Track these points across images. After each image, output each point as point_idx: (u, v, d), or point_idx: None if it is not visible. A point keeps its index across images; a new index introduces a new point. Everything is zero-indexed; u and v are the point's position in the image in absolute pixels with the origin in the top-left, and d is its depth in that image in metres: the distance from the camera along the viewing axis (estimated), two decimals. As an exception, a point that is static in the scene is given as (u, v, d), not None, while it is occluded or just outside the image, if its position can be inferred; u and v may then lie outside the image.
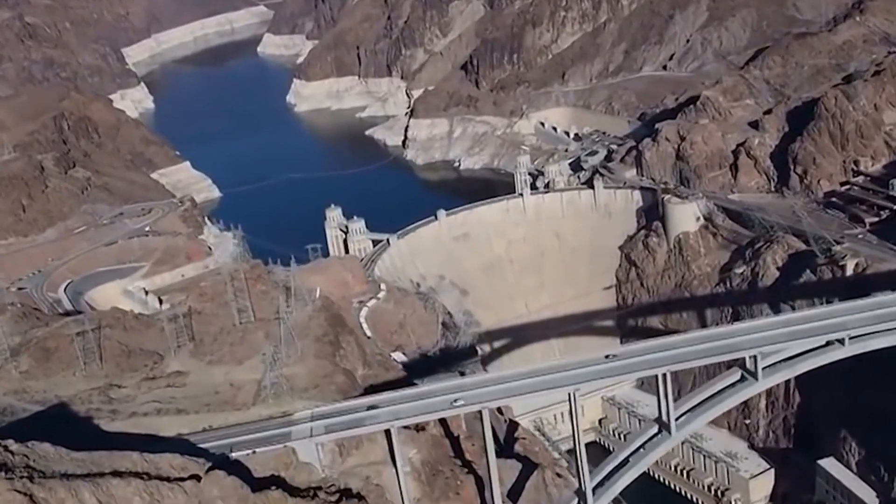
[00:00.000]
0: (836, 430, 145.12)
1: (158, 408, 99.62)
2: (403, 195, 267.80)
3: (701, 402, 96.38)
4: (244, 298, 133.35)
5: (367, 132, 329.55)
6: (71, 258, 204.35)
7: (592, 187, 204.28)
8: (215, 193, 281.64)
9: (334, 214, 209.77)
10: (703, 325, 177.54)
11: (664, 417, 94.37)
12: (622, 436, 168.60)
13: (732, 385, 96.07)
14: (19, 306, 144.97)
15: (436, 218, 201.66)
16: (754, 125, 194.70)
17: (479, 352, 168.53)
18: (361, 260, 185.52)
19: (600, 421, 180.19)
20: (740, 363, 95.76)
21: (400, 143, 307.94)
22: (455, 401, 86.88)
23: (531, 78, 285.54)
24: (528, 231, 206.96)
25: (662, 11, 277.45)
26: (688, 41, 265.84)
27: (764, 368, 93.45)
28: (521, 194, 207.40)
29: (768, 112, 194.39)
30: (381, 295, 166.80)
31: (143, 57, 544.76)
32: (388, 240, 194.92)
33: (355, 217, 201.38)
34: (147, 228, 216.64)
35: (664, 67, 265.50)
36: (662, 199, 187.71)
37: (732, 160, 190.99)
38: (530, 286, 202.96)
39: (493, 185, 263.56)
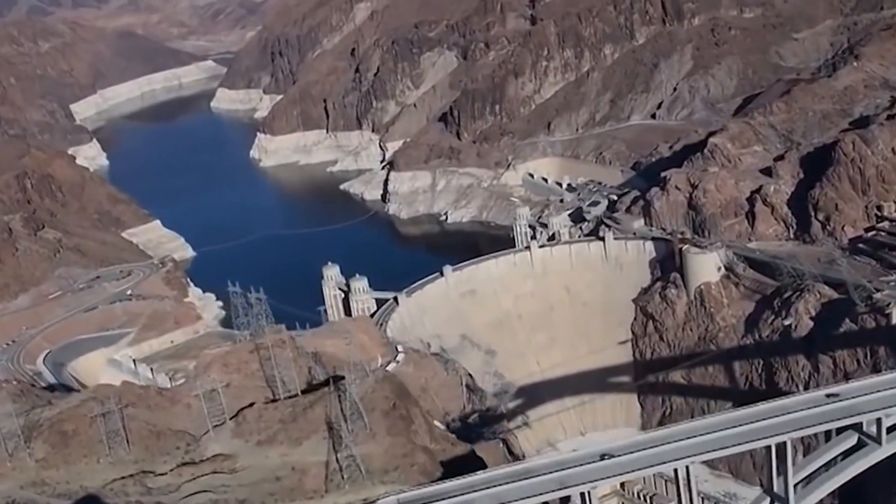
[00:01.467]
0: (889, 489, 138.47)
1: (214, 499, 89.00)
2: (391, 250, 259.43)
3: (816, 471, 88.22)
4: (271, 368, 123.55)
5: (341, 187, 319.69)
6: (47, 326, 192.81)
7: (602, 239, 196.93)
8: (189, 253, 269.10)
9: (332, 273, 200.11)
10: (731, 379, 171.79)
11: (779, 490, 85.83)
12: (648, 498, 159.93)
13: (849, 451, 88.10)
14: (15, 383, 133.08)
15: (442, 274, 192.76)
16: (766, 172, 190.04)
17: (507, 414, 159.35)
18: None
19: (622, 484, 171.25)
20: (857, 426, 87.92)
21: (379, 197, 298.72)
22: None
23: (515, 128, 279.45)
24: (537, 285, 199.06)
25: (646, 60, 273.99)
26: (675, 89, 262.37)
27: (889, 431, 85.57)
28: (528, 247, 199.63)
29: (780, 158, 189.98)
30: (399, 358, 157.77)
31: (90, 113, 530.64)
32: (395, 298, 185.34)
33: (357, 275, 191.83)
34: (129, 292, 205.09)
35: (653, 116, 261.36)
36: (680, 249, 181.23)
37: (748, 208, 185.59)
38: (541, 342, 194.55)
39: (482, 239, 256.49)
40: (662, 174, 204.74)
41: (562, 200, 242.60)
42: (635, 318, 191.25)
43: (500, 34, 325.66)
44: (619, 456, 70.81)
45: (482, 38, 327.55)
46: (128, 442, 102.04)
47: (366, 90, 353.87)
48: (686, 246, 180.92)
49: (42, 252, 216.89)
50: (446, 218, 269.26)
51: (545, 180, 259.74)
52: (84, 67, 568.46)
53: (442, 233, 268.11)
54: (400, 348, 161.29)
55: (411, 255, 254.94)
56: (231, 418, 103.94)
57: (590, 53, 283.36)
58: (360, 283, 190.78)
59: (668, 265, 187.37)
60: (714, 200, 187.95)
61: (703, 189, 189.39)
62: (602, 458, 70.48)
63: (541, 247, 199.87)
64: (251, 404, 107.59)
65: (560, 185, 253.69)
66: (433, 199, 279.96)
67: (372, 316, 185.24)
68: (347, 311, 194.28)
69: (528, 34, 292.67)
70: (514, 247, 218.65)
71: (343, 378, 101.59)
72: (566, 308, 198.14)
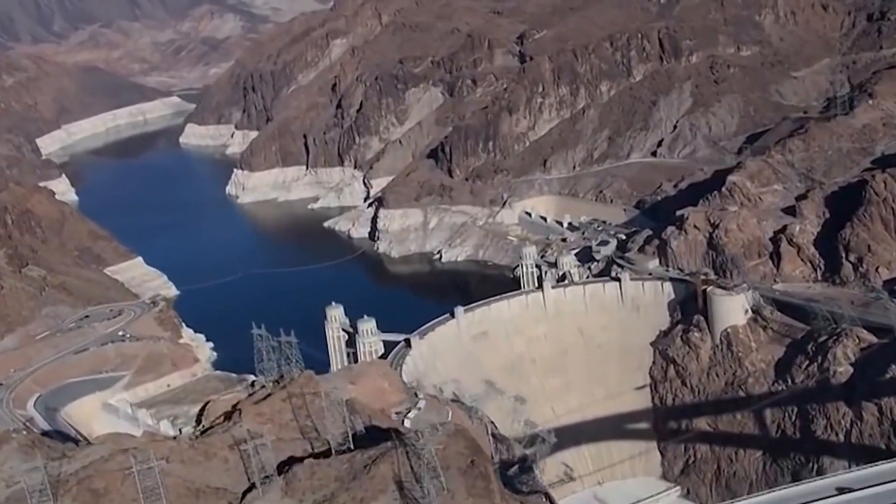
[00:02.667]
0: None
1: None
2: (385, 290, 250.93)
3: None
4: (305, 417, 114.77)
5: (326, 224, 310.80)
6: (36, 368, 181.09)
7: (618, 279, 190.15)
8: (172, 291, 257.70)
9: (336, 313, 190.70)
10: (762, 426, 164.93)
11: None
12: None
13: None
14: (25, 434, 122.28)
15: (453, 315, 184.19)
16: (789, 211, 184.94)
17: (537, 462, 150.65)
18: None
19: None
20: None
21: (367, 235, 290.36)
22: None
23: (509, 166, 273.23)
24: (550, 328, 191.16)
25: (644, 97, 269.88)
26: (675, 127, 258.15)
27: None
28: (541, 288, 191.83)
29: (802, 198, 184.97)
30: (420, 405, 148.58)
31: (55, 148, 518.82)
32: (406, 341, 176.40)
33: (365, 316, 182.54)
34: (121, 333, 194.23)
35: (653, 154, 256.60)
36: (703, 290, 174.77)
37: (772, 248, 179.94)
38: (556, 387, 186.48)
39: (479, 278, 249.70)
40: (678, 212, 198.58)
41: (564, 239, 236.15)
42: (654, 363, 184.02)
43: (488, 70, 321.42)
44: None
45: (469, 74, 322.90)
46: (166, 501, 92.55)
47: (348, 126, 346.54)
48: (710, 287, 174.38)
49: (28, 290, 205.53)
50: (440, 257, 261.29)
51: (544, 219, 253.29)
52: (48, 102, 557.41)
53: (436, 272, 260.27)
54: (420, 395, 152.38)
55: (407, 294, 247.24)
56: (278, 474, 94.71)
57: (585, 90, 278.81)
58: (367, 325, 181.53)
59: (690, 307, 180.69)
60: (736, 240, 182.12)
61: (725, 228, 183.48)
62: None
63: (554, 287, 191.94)
64: (298, 458, 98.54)
65: (560, 223, 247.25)
66: (425, 237, 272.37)
67: (382, 359, 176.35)
68: (354, 355, 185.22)
69: (522, 70, 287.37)
70: (519, 287, 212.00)
71: (400, 432, 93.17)
72: (580, 351, 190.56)
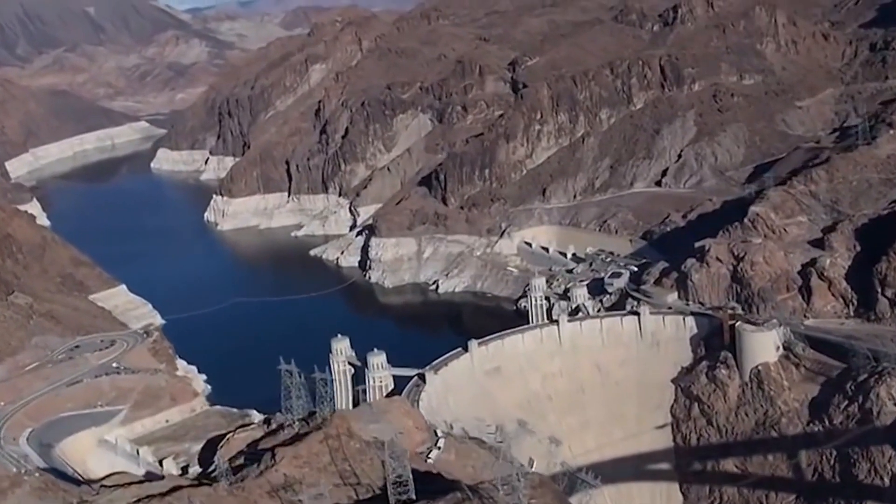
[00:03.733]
0: None
1: None
2: (380, 321, 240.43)
3: None
4: (342, 460, 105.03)
5: (312, 252, 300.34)
6: (27, 401, 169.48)
7: (637, 313, 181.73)
8: (157, 320, 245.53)
9: (342, 346, 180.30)
10: (797, 469, 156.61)
11: None
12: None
13: None
14: (38, 475, 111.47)
15: (466, 349, 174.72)
16: (816, 244, 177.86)
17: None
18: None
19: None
20: None
21: (356, 264, 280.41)
22: None
23: (506, 194, 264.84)
24: (565, 363, 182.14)
25: (646, 125, 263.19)
26: (679, 156, 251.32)
27: None
28: (556, 321, 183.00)
29: (830, 230, 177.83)
30: (440, 444, 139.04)
31: (22, 172, 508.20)
32: (420, 375, 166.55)
33: (375, 349, 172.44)
34: (114, 364, 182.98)
35: (657, 183, 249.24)
36: (731, 325, 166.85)
37: (801, 282, 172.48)
38: (573, 426, 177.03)
39: (477, 310, 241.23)
40: (697, 244, 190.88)
41: (570, 271, 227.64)
42: (676, 401, 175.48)
43: (479, 97, 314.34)
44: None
45: (460, 101, 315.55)
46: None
47: (333, 152, 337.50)
48: (738, 322, 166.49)
49: (15, 318, 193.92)
50: (437, 287, 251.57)
51: (546, 249, 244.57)
52: (15, 125, 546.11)
53: (433, 303, 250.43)
54: (440, 433, 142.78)
55: (405, 326, 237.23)
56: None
57: (585, 118, 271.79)
58: (378, 359, 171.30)
59: (715, 343, 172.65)
60: (763, 274, 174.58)
61: (751, 261, 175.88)
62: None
63: (569, 321, 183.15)
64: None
65: (564, 254, 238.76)
66: (419, 267, 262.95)
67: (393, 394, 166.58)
68: (363, 392, 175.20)
69: (520, 97, 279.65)
70: (526, 320, 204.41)
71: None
72: (597, 389, 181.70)
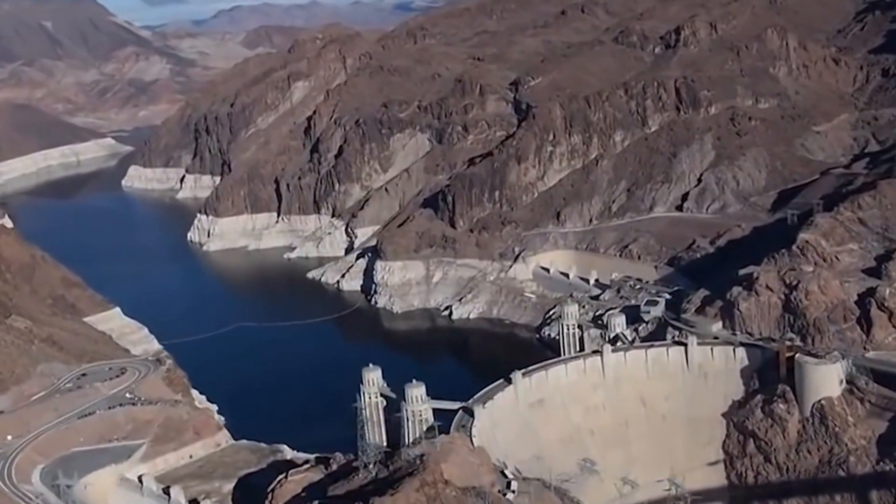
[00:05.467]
0: None
1: None
2: (393, 349, 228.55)
3: None
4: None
5: (309, 275, 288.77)
6: (36, 435, 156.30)
7: (684, 344, 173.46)
8: (154, 345, 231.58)
9: (374, 376, 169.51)
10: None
11: None
12: None
13: None
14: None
15: (510, 381, 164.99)
16: (871, 272, 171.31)
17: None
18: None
19: None
20: None
21: (359, 288, 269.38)
22: None
23: (518, 217, 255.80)
24: (608, 396, 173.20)
25: (663, 149, 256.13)
26: (699, 180, 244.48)
27: None
28: (600, 352, 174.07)
29: (886, 258, 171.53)
30: (514, 486, 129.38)
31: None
32: (465, 409, 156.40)
33: (414, 380, 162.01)
34: (128, 394, 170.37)
35: (677, 208, 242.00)
36: (790, 358, 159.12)
37: (859, 312, 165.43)
38: (617, 463, 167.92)
39: (494, 337, 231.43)
40: (741, 272, 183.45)
41: (596, 297, 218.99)
42: (728, 436, 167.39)
43: (480, 117, 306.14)
44: None
45: (460, 120, 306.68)
46: None
47: (325, 172, 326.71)
48: (797, 354, 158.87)
49: (16, 344, 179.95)
50: (450, 313, 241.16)
51: (566, 275, 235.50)
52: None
53: (446, 329, 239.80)
54: (509, 474, 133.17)
55: (421, 354, 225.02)
56: None
57: (598, 139, 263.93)
58: (417, 391, 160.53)
59: (769, 376, 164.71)
60: (818, 303, 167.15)
61: (805, 290, 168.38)
62: None
63: (613, 351, 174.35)
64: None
65: (586, 280, 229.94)
66: (428, 291, 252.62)
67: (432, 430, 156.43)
68: (394, 425, 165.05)
69: (532, 116, 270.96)
70: (555, 350, 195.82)
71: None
72: (642, 423, 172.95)
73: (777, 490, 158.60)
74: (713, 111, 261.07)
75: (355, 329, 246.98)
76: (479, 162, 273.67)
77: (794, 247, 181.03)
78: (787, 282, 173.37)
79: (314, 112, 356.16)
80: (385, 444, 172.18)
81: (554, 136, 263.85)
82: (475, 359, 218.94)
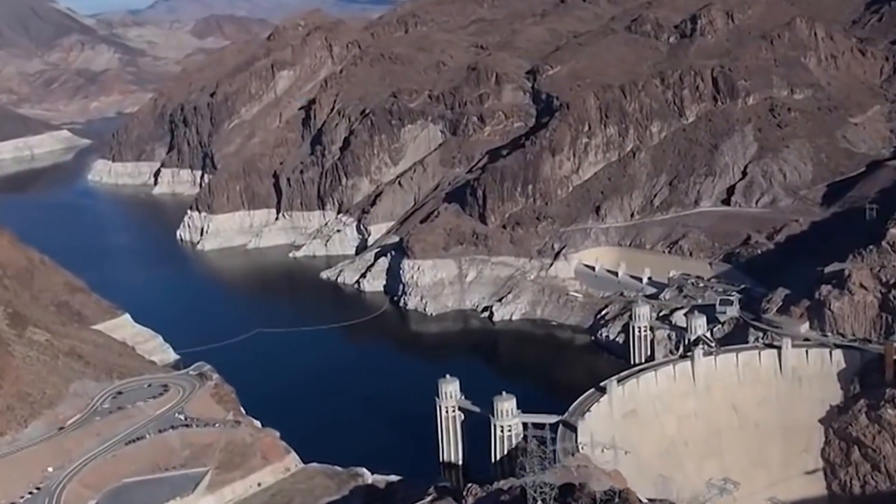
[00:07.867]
0: None
1: None
2: (442, 356, 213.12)
3: None
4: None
5: (323, 275, 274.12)
6: (80, 465, 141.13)
7: (777, 347, 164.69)
8: (171, 355, 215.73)
9: (451, 388, 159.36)
10: None
11: None
12: None
13: None
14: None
15: (603, 391, 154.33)
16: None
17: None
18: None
19: None
20: None
21: (382, 289, 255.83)
22: None
23: (553, 212, 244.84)
24: (700, 404, 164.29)
25: (703, 141, 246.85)
26: (744, 173, 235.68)
27: None
28: (690, 356, 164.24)
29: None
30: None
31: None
32: (564, 423, 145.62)
33: (504, 393, 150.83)
34: (178, 415, 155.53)
35: (724, 202, 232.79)
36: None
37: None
38: (712, 474, 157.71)
39: (542, 340, 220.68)
40: (827, 269, 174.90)
41: (653, 296, 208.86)
42: (828, 443, 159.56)
43: (496, 107, 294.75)
44: None
45: (475, 111, 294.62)
46: None
47: (330, 165, 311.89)
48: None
49: (42, 360, 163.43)
50: (490, 314, 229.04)
51: (613, 273, 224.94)
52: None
53: (487, 332, 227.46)
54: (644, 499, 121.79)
55: (467, 360, 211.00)
56: None
57: (634, 131, 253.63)
58: (507, 404, 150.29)
59: (872, 379, 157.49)
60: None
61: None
62: None
63: (704, 356, 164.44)
64: None
65: (638, 278, 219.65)
66: (462, 291, 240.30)
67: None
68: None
69: (566, 106, 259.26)
70: (630, 354, 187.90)
71: None
72: (735, 431, 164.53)
73: (888, 500, 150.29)
74: (751, 101, 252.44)
75: (385, 332, 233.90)
76: (508, 154, 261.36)
77: (883, 243, 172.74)
78: (884, 279, 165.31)
79: (314, 102, 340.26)
80: (461, 461, 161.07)
81: (589, 128, 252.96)
82: (528, 363, 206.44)
